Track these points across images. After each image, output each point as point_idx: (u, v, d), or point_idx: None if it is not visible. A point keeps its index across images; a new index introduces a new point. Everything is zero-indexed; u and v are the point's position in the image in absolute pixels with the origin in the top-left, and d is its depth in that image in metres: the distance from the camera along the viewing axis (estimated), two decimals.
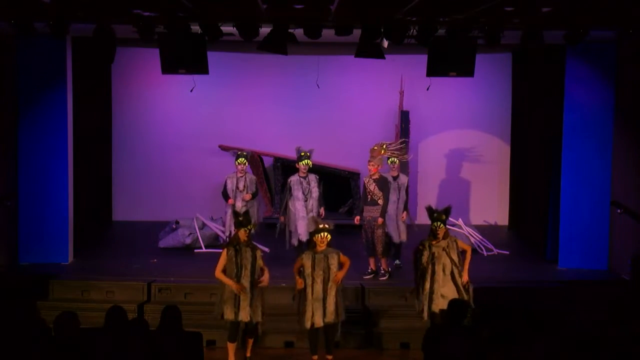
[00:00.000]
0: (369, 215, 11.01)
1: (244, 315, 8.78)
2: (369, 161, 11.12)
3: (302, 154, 11.31)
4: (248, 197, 11.67)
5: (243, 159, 11.73)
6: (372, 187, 11.01)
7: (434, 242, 9.04)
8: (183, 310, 7.45)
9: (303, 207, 11.30)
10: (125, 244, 13.32)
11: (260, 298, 8.92)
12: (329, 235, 8.74)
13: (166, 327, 7.18)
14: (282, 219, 11.52)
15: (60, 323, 6.82)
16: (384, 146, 11.51)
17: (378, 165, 11.07)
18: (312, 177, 11.39)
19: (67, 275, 10.93)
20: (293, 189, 11.33)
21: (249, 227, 8.84)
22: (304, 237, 11.17)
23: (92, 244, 12.85)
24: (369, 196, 11.03)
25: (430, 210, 9.13)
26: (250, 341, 9.20)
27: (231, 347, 8.99)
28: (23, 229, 11.61)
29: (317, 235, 8.77)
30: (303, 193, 11.29)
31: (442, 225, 9.00)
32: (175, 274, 11.02)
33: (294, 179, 11.40)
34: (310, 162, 11.32)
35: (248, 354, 9.23)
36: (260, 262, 8.91)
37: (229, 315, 8.80)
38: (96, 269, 11.30)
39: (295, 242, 11.39)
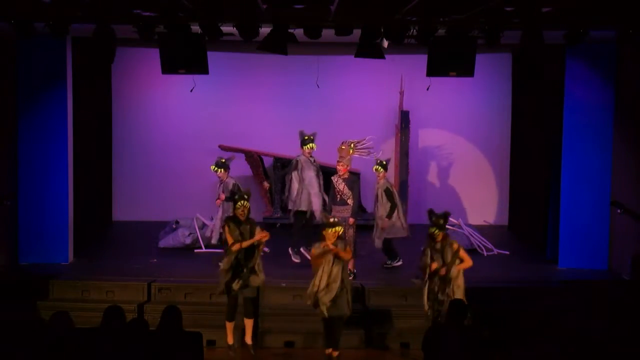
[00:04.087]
0: (339, 215, 11.00)
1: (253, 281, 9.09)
2: (338, 161, 11.17)
3: (306, 137, 11.34)
4: (222, 197, 11.42)
5: (213, 165, 11.60)
6: (341, 186, 11.06)
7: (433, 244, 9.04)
8: (183, 310, 7.45)
9: (317, 183, 11.37)
10: (125, 244, 13.32)
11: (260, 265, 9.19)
12: (341, 229, 8.87)
13: (166, 327, 7.17)
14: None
15: (54, 323, 6.82)
16: (352, 145, 11.54)
17: (347, 165, 11.14)
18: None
19: (67, 275, 10.93)
20: (304, 168, 11.35)
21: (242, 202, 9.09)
22: (318, 213, 11.28)
23: (92, 244, 12.84)
24: (338, 196, 11.06)
25: (430, 214, 9.12)
26: (250, 323, 9.24)
27: (229, 327, 9.05)
28: (23, 229, 11.61)
29: (329, 230, 8.77)
30: (314, 171, 11.38)
31: (437, 230, 8.95)
32: (175, 274, 11.02)
33: (302, 158, 11.42)
34: (314, 146, 11.38)
35: (249, 341, 9.25)
36: (257, 236, 9.13)
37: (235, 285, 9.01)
38: (96, 269, 11.30)
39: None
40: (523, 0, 8.82)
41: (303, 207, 11.45)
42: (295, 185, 11.46)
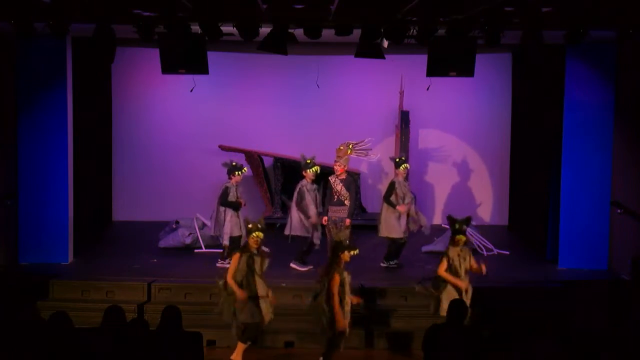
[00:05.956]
0: (335, 215, 11.00)
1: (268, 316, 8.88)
2: (336, 161, 11.16)
3: (309, 161, 11.25)
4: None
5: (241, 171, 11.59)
6: (338, 187, 11.08)
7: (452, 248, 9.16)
8: (183, 310, 7.45)
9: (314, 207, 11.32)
10: (125, 244, 13.32)
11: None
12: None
13: (166, 327, 7.18)
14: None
15: (54, 323, 6.83)
16: (350, 146, 11.56)
17: (345, 165, 11.15)
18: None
19: (67, 275, 10.93)
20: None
21: (257, 233, 8.80)
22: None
23: (92, 244, 12.84)
24: (336, 196, 11.07)
25: (453, 221, 9.21)
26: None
27: (241, 347, 8.97)
28: (23, 229, 11.61)
29: (348, 253, 8.66)
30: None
31: (463, 236, 9.16)
32: (175, 274, 11.02)
33: (307, 185, 11.29)
34: (318, 169, 11.29)
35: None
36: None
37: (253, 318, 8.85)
38: (96, 269, 11.30)
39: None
40: (523, 0, 8.83)
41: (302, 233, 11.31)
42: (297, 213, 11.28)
